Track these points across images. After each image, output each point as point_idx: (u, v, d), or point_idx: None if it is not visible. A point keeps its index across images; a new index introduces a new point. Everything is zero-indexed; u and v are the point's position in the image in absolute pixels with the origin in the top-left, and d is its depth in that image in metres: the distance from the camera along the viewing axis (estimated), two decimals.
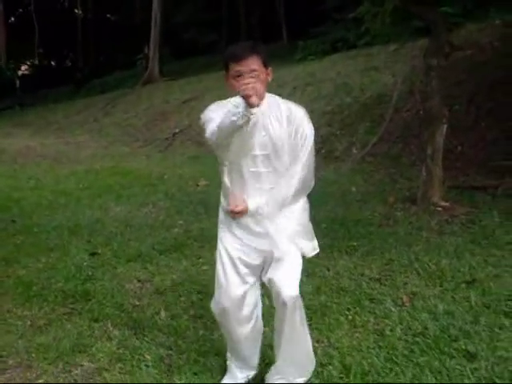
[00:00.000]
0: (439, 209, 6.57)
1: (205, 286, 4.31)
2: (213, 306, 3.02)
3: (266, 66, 2.78)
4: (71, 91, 28.85)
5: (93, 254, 5.45)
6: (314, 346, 3.40)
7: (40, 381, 3.15)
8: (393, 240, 5.52)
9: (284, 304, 2.82)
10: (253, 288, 3.01)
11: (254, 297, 3.03)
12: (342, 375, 3.08)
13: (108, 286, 4.61)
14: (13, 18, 35.65)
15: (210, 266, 4.40)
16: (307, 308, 3.94)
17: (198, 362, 3.28)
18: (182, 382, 3.09)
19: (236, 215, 2.88)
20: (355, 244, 5.44)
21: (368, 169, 9.33)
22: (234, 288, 2.93)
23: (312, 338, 3.51)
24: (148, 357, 3.38)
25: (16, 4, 33.93)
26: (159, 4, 23.76)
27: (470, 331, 3.53)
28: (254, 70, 2.70)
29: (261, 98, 2.56)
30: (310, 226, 3.14)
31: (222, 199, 3.02)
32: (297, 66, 16.87)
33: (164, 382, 3.10)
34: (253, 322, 3.05)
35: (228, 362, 3.15)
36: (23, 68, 38.40)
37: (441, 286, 4.34)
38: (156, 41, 23.96)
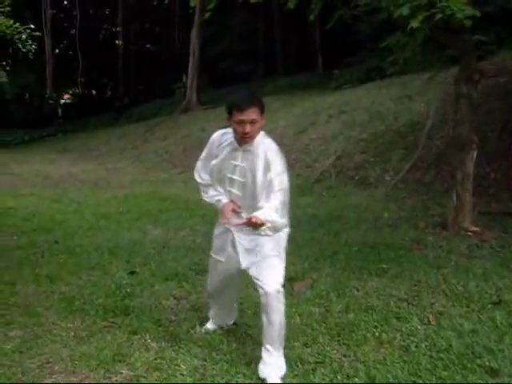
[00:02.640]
0: (469, 233, 6.66)
1: (238, 304, 4.49)
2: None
3: (262, 113, 3.41)
4: (111, 119, 29.64)
5: (132, 273, 5.67)
6: (341, 360, 3.59)
7: None
8: (422, 263, 5.64)
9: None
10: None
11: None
12: None
13: (146, 302, 4.82)
14: (57, 50, 36.84)
15: (245, 285, 4.61)
16: (336, 325, 4.14)
17: (229, 372, 3.46)
18: None
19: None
20: (385, 266, 5.57)
21: (401, 195, 9.44)
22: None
23: (339, 352, 3.70)
24: (183, 366, 3.57)
25: (60, 36, 35.11)
26: (197, 35, 24.42)
27: (494, 349, 3.64)
28: (253, 120, 3.35)
29: (253, 138, 3.41)
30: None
31: None
32: (332, 94, 17.13)
33: None
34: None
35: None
36: (65, 97, 39.58)
37: (467, 306, 4.45)
38: (194, 70, 24.55)
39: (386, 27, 9.04)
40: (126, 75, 34.83)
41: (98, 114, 31.37)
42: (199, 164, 3.77)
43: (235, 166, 3.51)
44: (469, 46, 7.08)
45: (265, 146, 3.45)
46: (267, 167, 3.39)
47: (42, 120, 31.23)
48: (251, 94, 3.51)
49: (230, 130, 3.55)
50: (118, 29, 35.96)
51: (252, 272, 3.52)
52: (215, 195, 3.65)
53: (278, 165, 3.42)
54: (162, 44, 36.73)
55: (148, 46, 39.62)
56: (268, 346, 3.48)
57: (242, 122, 3.34)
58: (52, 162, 18.84)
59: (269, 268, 3.46)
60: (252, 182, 3.44)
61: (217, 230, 3.82)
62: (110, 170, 16.62)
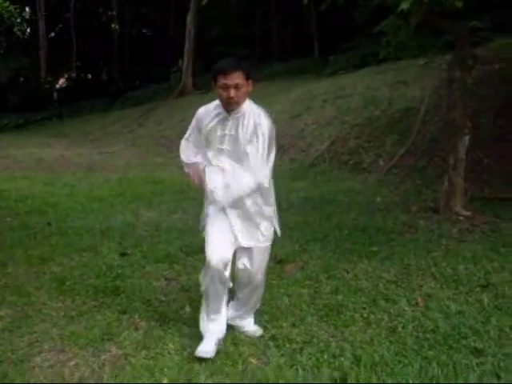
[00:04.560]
0: (461, 218, 6.68)
1: None
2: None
3: (248, 79, 3.40)
4: (107, 103, 29.50)
5: (123, 255, 5.69)
6: (328, 340, 3.62)
7: (71, 363, 3.40)
8: (412, 246, 5.66)
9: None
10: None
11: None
12: (352, 365, 3.25)
13: (136, 283, 4.85)
14: (53, 34, 36.56)
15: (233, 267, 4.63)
16: (324, 306, 4.17)
17: (217, 352, 3.48)
18: (202, 367, 3.30)
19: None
20: (375, 249, 5.60)
21: (394, 180, 9.45)
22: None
23: (327, 332, 3.74)
24: (171, 345, 3.60)
25: (56, 19, 34.85)
26: (193, 19, 24.28)
27: (480, 330, 3.68)
28: (238, 84, 3.34)
29: (239, 104, 3.39)
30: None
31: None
32: (327, 79, 17.09)
33: (185, 367, 3.30)
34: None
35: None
36: (61, 81, 39.33)
37: (456, 289, 4.48)
38: (190, 54, 24.43)
39: (381, 12, 9.00)
40: (122, 59, 34.65)
41: (94, 98, 31.19)
42: (184, 144, 3.71)
43: (224, 135, 3.47)
44: (463, 31, 7.06)
45: (253, 113, 3.43)
46: (254, 131, 3.37)
47: (37, 104, 31.05)
48: (236, 59, 3.49)
49: (215, 102, 3.53)
50: (113, 12, 35.66)
51: (245, 255, 3.61)
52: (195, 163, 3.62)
53: (265, 128, 3.39)
54: (157, 28, 36.46)
55: (144, 30, 39.34)
56: (245, 316, 3.83)
57: (227, 87, 3.33)
58: (47, 146, 18.75)
59: (262, 262, 3.67)
60: (241, 150, 3.41)
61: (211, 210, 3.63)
62: (105, 154, 16.56)
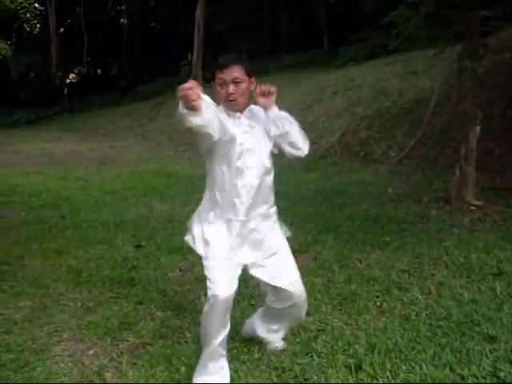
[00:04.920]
0: (472, 208, 6.70)
1: (241, 275, 4.56)
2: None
3: (249, 75, 3.00)
4: (117, 98, 29.60)
5: (137, 247, 5.77)
6: (342, 328, 3.67)
7: (91, 352, 3.47)
8: (424, 236, 5.70)
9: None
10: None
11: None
12: (367, 352, 3.29)
13: (152, 274, 4.92)
14: (62, 29, 36.70)
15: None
16: (338, 295, 4.22)
17: (234, 340, 3.54)
18: None
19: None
20: (388, 239, 5.63)
21: (405, 171, 9.48)
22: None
23: (341, 321, 3.79)
24: (188, 334, 3.66)
25: (66, 15, 34.97)
26: (202, 12, 24.28)
27: (493, 317, 3.70)
28: (236, 78, 2.94)
29: (240, 103, 3.00)
30: None
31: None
32: (337, 71, 17.09)
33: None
34: None
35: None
36: (71, 76, 39.52)
37: (468, 277, 4.51)
38: (199, 48, 24.44)
39: (390, 3, 9.00)
40: (131, 54, 34.73)
41: (104, 92, 31.32)
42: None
43: (243, 133, 3.03)
44: (473, 21, 7.06)
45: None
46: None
47: (48, 99, 31.26)
48: (234, 53, 3.08)
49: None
50: (122, 7, 35.77)
51: (268, 273, 3.20)
52: None
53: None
54: (166, 22, 36.47)
55: (153, 24, 39.39)
56: (278, 331, 3.46)
57: (224, 82, 2.95)
58: (58, 141, 18.91)
59: (291, 268, 3.21)
60: (260, 139, 3.09)
61: (213, 228, 3.28)
62: (116, 148, 16.68)
